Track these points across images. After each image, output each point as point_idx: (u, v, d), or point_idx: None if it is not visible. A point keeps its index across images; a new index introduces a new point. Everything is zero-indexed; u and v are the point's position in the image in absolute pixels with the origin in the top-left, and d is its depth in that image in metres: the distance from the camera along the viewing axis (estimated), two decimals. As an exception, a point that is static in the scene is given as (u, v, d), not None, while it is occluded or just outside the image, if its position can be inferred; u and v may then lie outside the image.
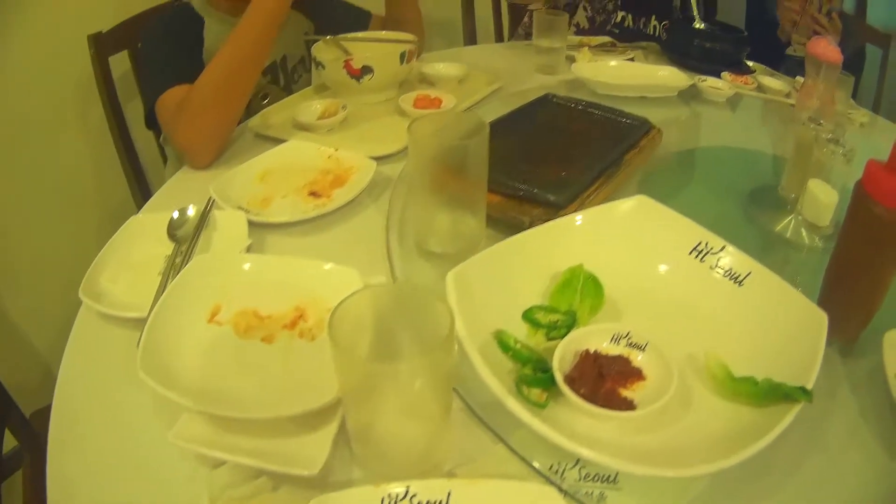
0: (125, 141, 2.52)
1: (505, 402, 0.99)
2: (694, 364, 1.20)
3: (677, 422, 1.11)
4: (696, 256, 1.39)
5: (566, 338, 1.14)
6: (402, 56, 2.04)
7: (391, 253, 1.46)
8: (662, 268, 1.40)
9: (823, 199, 1.62)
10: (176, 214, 1.49)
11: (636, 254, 1.39)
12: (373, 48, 2.08)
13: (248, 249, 1.42)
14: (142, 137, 2.57)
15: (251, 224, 1.48)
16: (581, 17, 3.21)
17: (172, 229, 1.46)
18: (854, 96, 4.19)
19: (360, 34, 2.16)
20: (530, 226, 1.35)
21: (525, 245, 1.30)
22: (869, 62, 4.34)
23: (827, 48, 2.45)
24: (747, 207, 1.92)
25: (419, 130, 1.30)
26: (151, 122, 2.09)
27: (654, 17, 3.28)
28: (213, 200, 1.53)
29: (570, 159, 1.70)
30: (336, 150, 1.76)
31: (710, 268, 1.38)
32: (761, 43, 3.38)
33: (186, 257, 1.38)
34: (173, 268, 1.34)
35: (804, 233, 1.71)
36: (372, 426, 0.98)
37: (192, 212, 1.49)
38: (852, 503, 1.16)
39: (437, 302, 0.95)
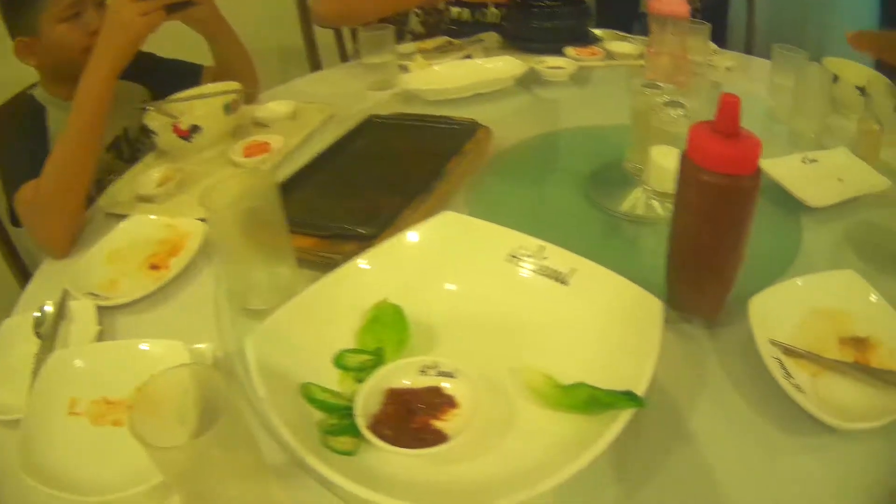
0: (3, 236, 2.51)
1: (304, 458, 0.99)
2: (520, 378, 1.17)
3: (500, 444, 1.09)
4: (514, 263, 1.37)
5: (370, 379, 1.12)
6: (227, 107, 2.05)
7: (220, 317, 1.45)
8: (478, 283, 1.37)
9: (668, 165, 1.60)
10: (37, 314, 1.49)
11: (448, 274, 1.37)
12: (198, 105, 2.08)
13: (100, 336, 1.43)
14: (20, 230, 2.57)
15: (103, 309, 1.49)
16: (415, 24, 3.20)
17: (37, 328, 1.47)
18: (723, 40, 4.23)
19: (184, 93, 2.14)
20: (344, 263, 1.34)
21: (327, 290, 1.28)
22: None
23: (670, 2, 2.44)
24: (590, 190, 1.89)
25: (212, 202, 1.29)
26: (15, 219, 2.10)
27: (491, 6, 3.25)
28: (67, 292, 1.53)
29: (386, 184, 1.72)
30: (172, 217, 1.76)
31: (531, 272, 1.36)
32: (615, 5, 3.38)
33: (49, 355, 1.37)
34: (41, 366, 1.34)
35: (655, 204, 1.72)
36: (196, 498, 0.99)
37: (49, 308, 1.50)
38: (741, 484, 1.15)
39: (211, 374, 0.98)
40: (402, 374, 1.14)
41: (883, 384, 1.29)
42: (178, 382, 0.98)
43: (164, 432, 0.91)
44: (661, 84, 1.82)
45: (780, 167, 2.02)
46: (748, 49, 3.78)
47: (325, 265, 1.36)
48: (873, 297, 1.47)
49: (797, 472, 1.17)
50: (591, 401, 1.07)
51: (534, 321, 1.29)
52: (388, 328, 1.22)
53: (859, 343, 1.40)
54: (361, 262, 1.33)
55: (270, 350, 1.14)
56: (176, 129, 1.98)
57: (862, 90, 2.48)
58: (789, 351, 1.32)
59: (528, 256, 1.36)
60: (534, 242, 1.37)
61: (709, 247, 1.35)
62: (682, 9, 2.47)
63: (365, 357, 1.17)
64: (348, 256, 1.35)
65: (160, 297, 1.55)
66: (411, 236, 1.40)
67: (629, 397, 1.04)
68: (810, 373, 1.31)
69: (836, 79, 2.56)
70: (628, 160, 1.91)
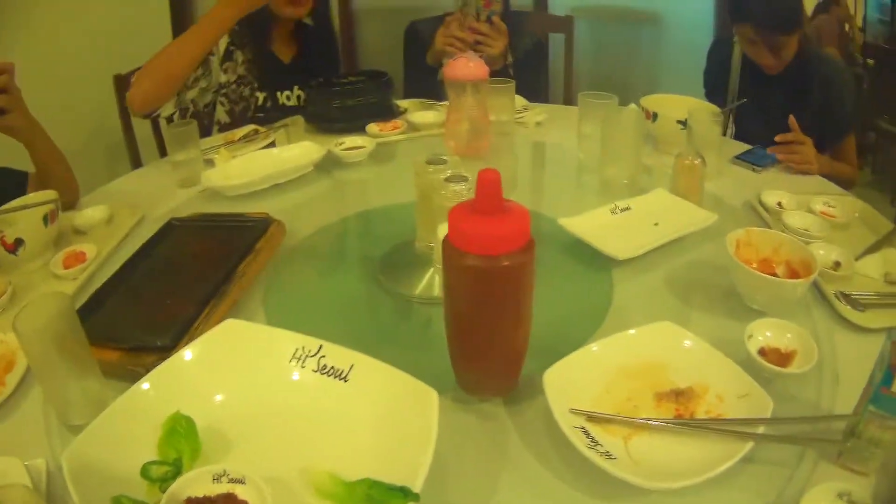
0: None
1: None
2: (307, 479, 1.21)
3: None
4: (297, 364, 1.41)
5: (168, 490, 1.13)
6: (45, 218, 2.05)
7: (50, 432, 1.45)
8: (264, 387, 1.40)
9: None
10: None
11: (238, 382, 1.40)
12: (20, 218, 2.05)
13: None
14: None
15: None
16: (221, 113, 3.18)
17: None
18: (542, 91, 4.32)
19: (7, 205, 2.09)
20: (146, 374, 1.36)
21: (125, 407, 1.29)
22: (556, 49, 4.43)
23: (466, 67, 2.53)
24: (381, 274, 1.94)
25: (17, 327, 1.31)
26: None
27: (296, 88, 3.32)
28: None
29: (184, 290, 1.73)
30: (4, 333, 1.72)
31: (314, 372, 1.40)
32: (423, 71, 3.44)
33: None
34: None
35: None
36: None
37: None
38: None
39: (24, 493, 1.05)
40: (197, 483, 1.16)
41: (716, 434, 1.33)
42: (17, 498, 1.04)
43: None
44: (445, 158, 1.86)
45: (586, 223, 2.07)
46: (568, 99, 3.82)
47: (133, 377, 1.39)
48: (687, 343, 1.52)
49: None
50: (367, 499, 1.12)
51: (320, 420, 1.35)
52: (183, 438, 1.25)
53: (680, 395, 1.44)
54: (145, 384, 1.34)
55: (85, 465, 1.16)
56: (2, 243, 2.00)
57: (684, 123, 2.53)
58: (594, 417, 1.36)
59: (310, 356, 1.41)
60: (313, 342, 1.42)
61: (486, 329, 1.37)
62: (480, 71, 2.56)
63: (166, 468, 1.20)
64: (151, 368, 1.38)
65: (2, 414, 1.53)
66: (189, 353, 1.41)
67: (403, 493, 1.09)
68: (623, 436, 1.35)
69: (655, 117, 2.65)
70: (419, 239, 1.96)
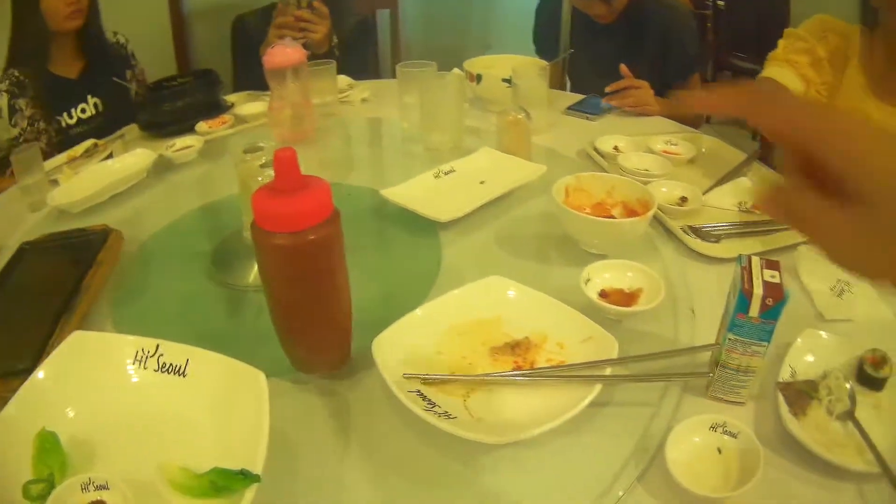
0: None
1: None
2: (162, 476, 1.21)
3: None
4: (140, 366, 1.43)
5: None
6: None
7: None
8: (115, 392, 1.42)
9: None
10: None
11: (89, 391, 1.41)
12: None
13: None
14: None
15: None
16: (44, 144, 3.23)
17: None
18: (371, 70, 4.41)
19: None
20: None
21: (1, 430, 1.28)
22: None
23: (283, 53, 2.66)
24: (213, 269, 2.02)
25: None
26: None
27: (90, 97, 3.41)
28: None
29: (38, 312, 1.77)
30: None
31: (155, 371, 1.42)
32: (251, 66, 3.53)
33: None
34: None
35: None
36: None
37: None
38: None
39: None
40: (68, 494, 1.19)
41: (561, 381, 1.37)
42: None
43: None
44: (262, 145, 1.91)
45: (409, 190, 2.20)
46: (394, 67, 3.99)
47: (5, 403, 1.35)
48: (518, 294, 1.58)
49: (491, 490, 1.28)
50: (212, 487, 1.16)
51: (167, 417, 1.38)
52: (51, 454, 1.26)
53: (517, 347, 1.49)
54: (11, 408, 1.33)
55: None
56: None
57: (510, 81, 2.65)
58: (428, 380, 1.40)
59: (149, 357, 1.43)
60: (150, 342, 1.44)
61: (305, 305, 1.41)
62: (297, 56, 2.69)
63: (42, 484, 1.21)
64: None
65: None
66: (42, 372, 1.40)
67: (244, 476, 1.13)
68: (461, 395, 1.39)
69: (479, 78, 2.81)
70: (245, 229, 2.00)
